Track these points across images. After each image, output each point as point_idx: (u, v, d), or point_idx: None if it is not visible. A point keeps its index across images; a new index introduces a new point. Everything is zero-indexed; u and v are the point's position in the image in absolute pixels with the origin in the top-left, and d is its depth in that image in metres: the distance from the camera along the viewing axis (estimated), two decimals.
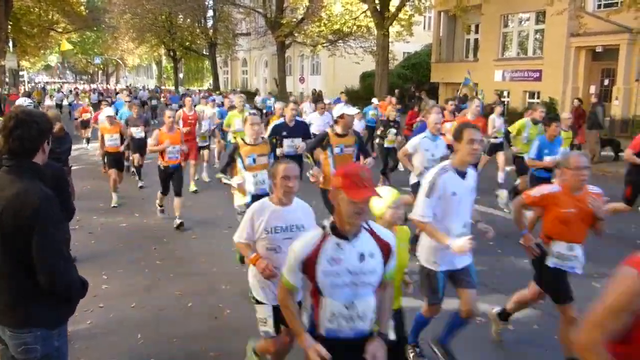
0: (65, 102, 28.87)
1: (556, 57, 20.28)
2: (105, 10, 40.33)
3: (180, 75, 57.27)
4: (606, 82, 19.83)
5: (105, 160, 10.31)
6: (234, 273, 6.14)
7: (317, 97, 24.92)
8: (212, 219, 8.51)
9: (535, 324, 4.82)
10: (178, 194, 7.95)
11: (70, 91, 34.77)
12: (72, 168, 8.01)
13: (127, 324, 4.89)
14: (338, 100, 16.73)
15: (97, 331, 4.75)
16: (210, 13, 39.91)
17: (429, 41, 29.99)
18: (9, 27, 32.05)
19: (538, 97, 21.59)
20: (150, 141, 8.22)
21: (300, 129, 7.74)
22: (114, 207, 9.30)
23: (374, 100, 15.48)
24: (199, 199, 10.04)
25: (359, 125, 12.18)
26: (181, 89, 44.21)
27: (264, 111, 20.64)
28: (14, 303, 2.46)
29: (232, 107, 12.69)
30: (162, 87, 48.83)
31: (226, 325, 4.85)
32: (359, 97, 28.45)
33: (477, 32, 25.28)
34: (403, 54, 33.20)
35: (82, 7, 36.47)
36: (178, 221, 7.88)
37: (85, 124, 16.55)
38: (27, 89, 40.49)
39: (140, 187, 10.81)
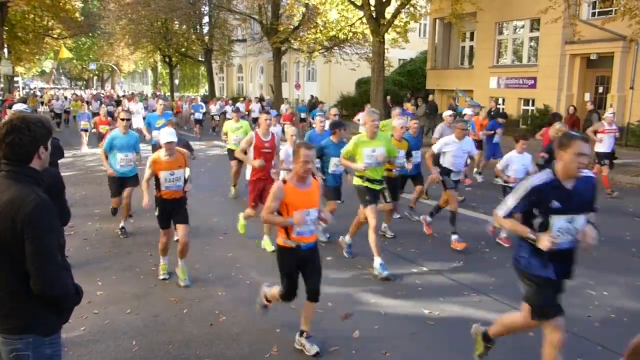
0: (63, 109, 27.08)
1: (551, 65, 20.41)
2: (100, 16, 40.26)
3: (176, 82, 57.23)
4: (600, 89, 19.96)
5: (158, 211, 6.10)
6: (230, 279, 6.12)
7: (313, 104, 25.00)
8: (207, 226, 8.48)
9: (531, 331, 4.79)
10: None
11: (66, 97, 33.52)
12: (67, 174, 7.92)
13: (122, 330, 4.85)
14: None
15: (91, 338, 4.70)
16: (206, 19, 39.94)
17: (424, 48, 30.14)
18: (4, 33, 32.01)
19: (533, 105, 21.70)
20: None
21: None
22: (109, 213, 9.23)
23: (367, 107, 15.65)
24: (195, 206, 9.99)
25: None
26: (177, 95, 44.21)
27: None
28: (6, 309, 2.44)
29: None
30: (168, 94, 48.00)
31: (222, 331, 4.82)
32: (355, 103, 28.52)
33: (472, 39, 25.42)
34: (399, 60, 33.33)
35: (78, 13, 36.44)
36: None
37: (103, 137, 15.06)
38: (22, 95, 40.40)
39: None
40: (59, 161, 6.16)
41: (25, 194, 2.40)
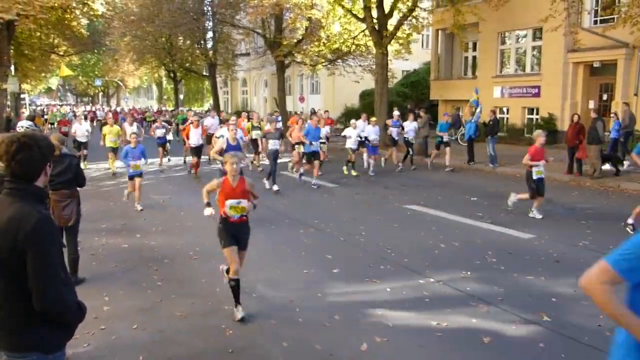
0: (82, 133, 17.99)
1: (554, 73, 20.42)
2: (105, 33, 40.69)
3: (181, 96, 57.61)
4: (605, 96, 19.93)
5: None
6: None
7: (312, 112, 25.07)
8: (212, 240, 8.46)
9: (541, 342, 4.75)
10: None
11: (75, 114, 30.76)
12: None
13: (129, 345, 4.83)
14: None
15: (98, 353, 4.69)
16: (210, 34, 40.25)
17: (427, 59, 30.23)
18: (11, 51, 32.31)
19: (537, 113, 21.69)
20: None
21: None
22: (116, 228, 9.26)
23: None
24: (199, 220, 10.00)
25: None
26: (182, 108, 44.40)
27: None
28: (9, 327, 2.43)
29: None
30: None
31: (229, 345, 4.80)
32: (358, 115, 28.54)
33: (475, 49, 25.50)
34: (402, 72, 33.42)
35: (83, 31, 36.76)
36: None
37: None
38: (29, 112, 40.69)
39: (141, 209, 10.80)
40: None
41: (26, 212, 2.40)
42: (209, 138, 16.29)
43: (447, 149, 15.83)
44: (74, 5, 28.12)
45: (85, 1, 28.21)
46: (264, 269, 7.00)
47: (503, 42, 23.26)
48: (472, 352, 4.31)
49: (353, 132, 15.02)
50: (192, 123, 15.79)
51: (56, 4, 23.48)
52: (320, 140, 14.06)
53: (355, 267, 6.98)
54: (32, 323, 2.43)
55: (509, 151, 18.89)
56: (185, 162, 17.92)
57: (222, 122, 18.06)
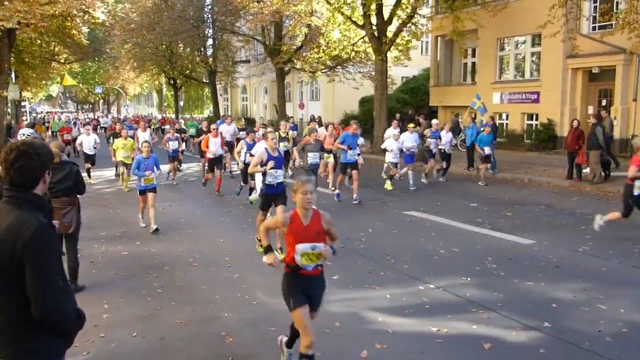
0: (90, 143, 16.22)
1: (553, 79, 20.47)
2: (106, 40, 40.87)
3: (181, 103, 57.75)
4: (604, 102, 19.97)
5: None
6: (236, 300, 6.09)
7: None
8: (213, 247, 8.48)
9: (542, 347, 4.74)
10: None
11: (76, 122, 29.93)
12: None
13: (129, 353, 4.82)
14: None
15: None
16: (210, 42, 40.43)
17: (426, 65, 30.31)
18: (12, 58, 32.41)
19: (536, 119, 21.72)
20: None
21: None
22: (115, 236, 9.25)
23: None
24: (200, 228, 10.01)
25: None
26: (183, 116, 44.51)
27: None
28: (7, 335, 2.43)
29: None
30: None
31: (229, 352, 4.78)
32: (358, 122, 28.55)
33: (474, 55, 25.57)
34: (401, 78, 33.49)
35: (83, 39, 36.88)
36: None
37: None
38: (30, 120, 40.74)
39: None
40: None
41: (24, 220, 2.40)
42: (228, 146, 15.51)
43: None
44: (75, 13, 28.20)
45: (86, 9, 28.29)
46: (264, 275, 6.99)
47: (502, 49, 23.34)
48: (472, 358, 4.30)
49: (394, 145, 13.34)
50: (210, 132, 14.24)
51: (57, 12, 23.55)
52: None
53: (355, 274, 6.97)
54: (32, 330, 2.43)
55: (509, 157, 18.92)
56: (205, 172, 15.00)
57: (244, 130, 16.27)
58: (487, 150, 14.45)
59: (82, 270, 6.70)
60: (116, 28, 37.50)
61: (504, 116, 23.10)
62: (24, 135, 9.98)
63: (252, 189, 11.47)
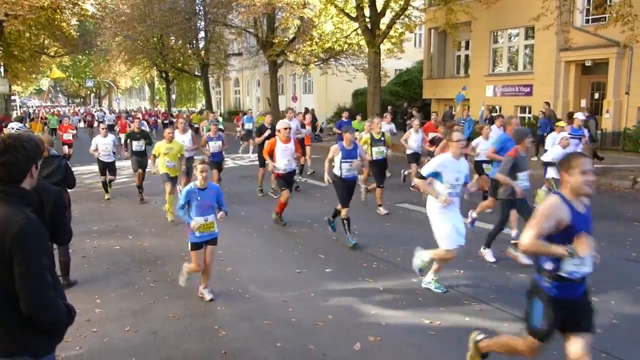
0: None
1: (546, 72, 20.50)
2: (96, 33, 40.45)
3: (173, 97, 57.47)
4: (596, 95, 20.04)
5: None
6: (229, 294, 6.08)
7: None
8: None
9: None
10: None
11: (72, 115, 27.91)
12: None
13: (121, 348, 4.80)
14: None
15: (90, 357, 4.65)
16: (202, 34, 40.16)
17: (420, 58, 30.29)
18: (0, 52, 32.12)
19: (529, 112, 21.77)
20: None
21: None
22: (108, 230, 9.19)
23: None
24: None
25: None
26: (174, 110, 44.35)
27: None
28: None
29: None
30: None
31: (222, 346, 4.77)
32: (351, 114, 28.54)
33: (467, 48, 25.57)
34: (395, 70, 33.47)
35: (73, 31, 36.52)
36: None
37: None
38: (19, 114, 40.36)
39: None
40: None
41: (12, 215, 2.36)
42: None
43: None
44: (64, 5, 27.91)
45: (75, 1, 28.03)
46: (257, 268, 6.98)
47: (495, 41, 23.33)
48: (465, 351, 4.30)
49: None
50: (278, 133, 9.35)
51: (45, 4, 23.32)
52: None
53: (349, 267, 6.97)
54: (20, 327, 2.40)
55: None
56: (261, 191, 12.32)
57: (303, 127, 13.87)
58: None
59: (74, 265, 6.65)
60: (106, 20, 37.14)
61: (497, 109, 23.13)
62: (12, 129, 9.88)
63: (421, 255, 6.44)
